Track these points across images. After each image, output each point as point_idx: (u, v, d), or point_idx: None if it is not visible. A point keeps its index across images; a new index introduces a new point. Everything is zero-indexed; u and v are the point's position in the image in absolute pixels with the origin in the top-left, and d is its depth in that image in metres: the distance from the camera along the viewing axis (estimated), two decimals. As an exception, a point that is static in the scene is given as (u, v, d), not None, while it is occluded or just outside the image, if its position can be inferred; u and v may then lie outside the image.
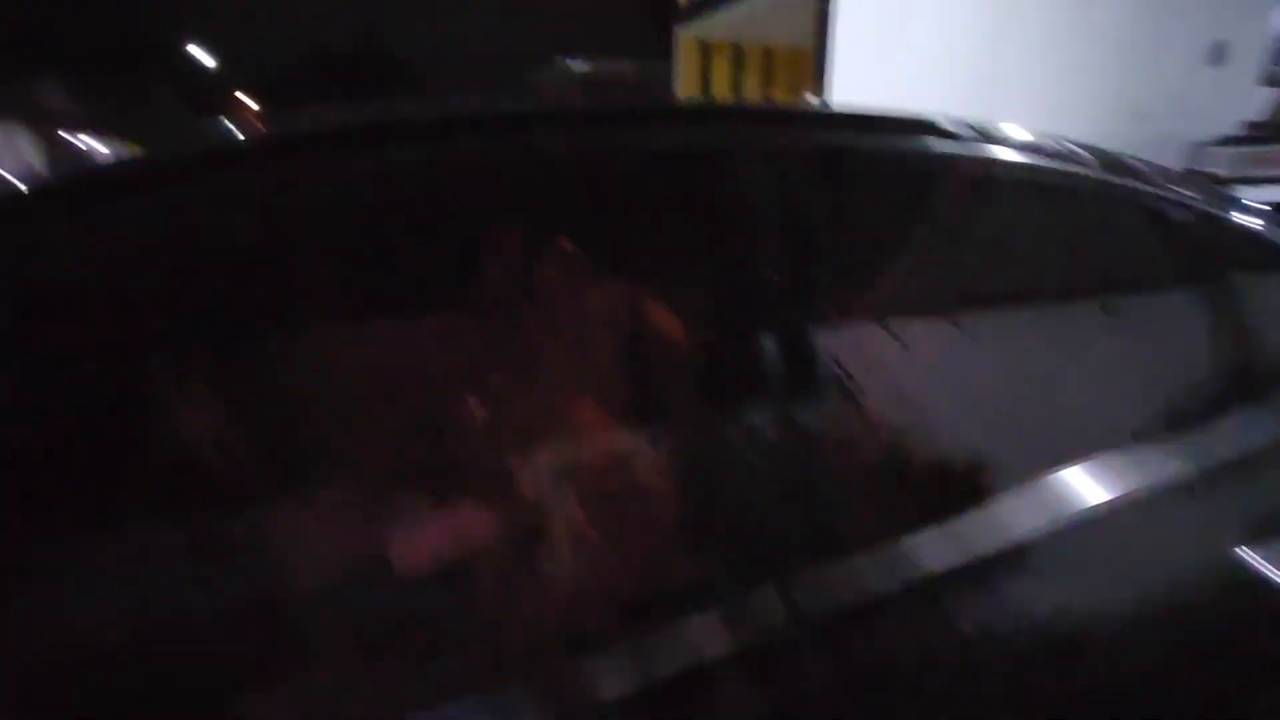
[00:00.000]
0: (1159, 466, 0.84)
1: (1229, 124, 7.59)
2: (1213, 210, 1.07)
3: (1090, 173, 1.00)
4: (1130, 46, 7.35)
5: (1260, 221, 1.10)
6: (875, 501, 0.75)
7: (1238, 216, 1.09)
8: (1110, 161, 1.05)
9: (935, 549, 0.73)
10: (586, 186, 0.75)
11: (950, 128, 0.88)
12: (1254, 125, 7.21)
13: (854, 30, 5.78)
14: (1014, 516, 0.77)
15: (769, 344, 0.65)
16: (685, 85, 8.30)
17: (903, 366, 0.78)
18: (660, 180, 0.74)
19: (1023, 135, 0.96)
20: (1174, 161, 7.75)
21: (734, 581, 0.70)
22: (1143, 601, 0.81)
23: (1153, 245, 1.01)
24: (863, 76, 5.96)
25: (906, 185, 0.88)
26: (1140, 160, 1.08)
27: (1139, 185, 1.05)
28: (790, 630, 0.65)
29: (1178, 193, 1.06)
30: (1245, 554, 0.82)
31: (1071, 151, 1.06)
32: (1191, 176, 1.08)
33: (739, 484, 0.72)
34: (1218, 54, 8.18)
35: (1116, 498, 0.80)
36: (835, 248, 0.76)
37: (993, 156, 0.90)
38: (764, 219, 0.69)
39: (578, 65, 10.18)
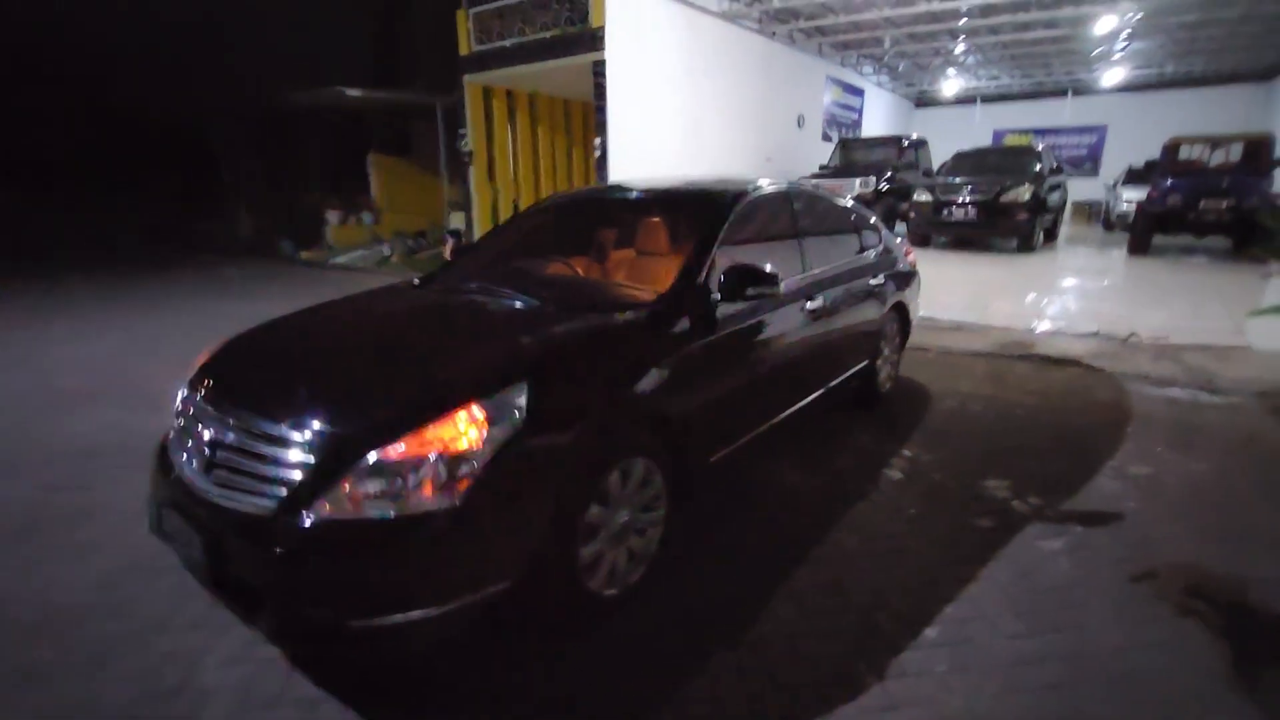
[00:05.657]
0: (845, 265, 3.54)
1: (812, 166, 12.62)
2: (842, 201, 3.93)
3: (811, 192, 3.72)
4: (760, 117, 11.73)
5: (857, 206, 4.03)
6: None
7: (845, 200, 3.99)
8: (814, 190, 3.81)
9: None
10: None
11: (773, 183, 3.45)
12: (822, 166, 12.20)
13: (613, 97, 8.51)
14: (829, 268, 3.34)
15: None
16: (472, 116, 10.13)
17: (784, 246, 3.31)
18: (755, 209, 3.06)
19: (793, 182, 3.61)
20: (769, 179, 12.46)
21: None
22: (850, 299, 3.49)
23: (833, 211, 3.78)
24: (619, 126, 8.72)
25: (772, 199, 3.41)
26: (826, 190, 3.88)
27: (826, 196, 3.82)
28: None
29: (838, 199, 3.89)
30: (870, 280, 3.60)
31: (811, 186, 3.77)
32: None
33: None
34: (800, 122, 13.30)
35: (840, 267, 3.45)
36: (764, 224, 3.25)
37: (800, 189, 3.55)
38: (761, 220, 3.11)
39: (351, 91, 11.08)
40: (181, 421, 1.94)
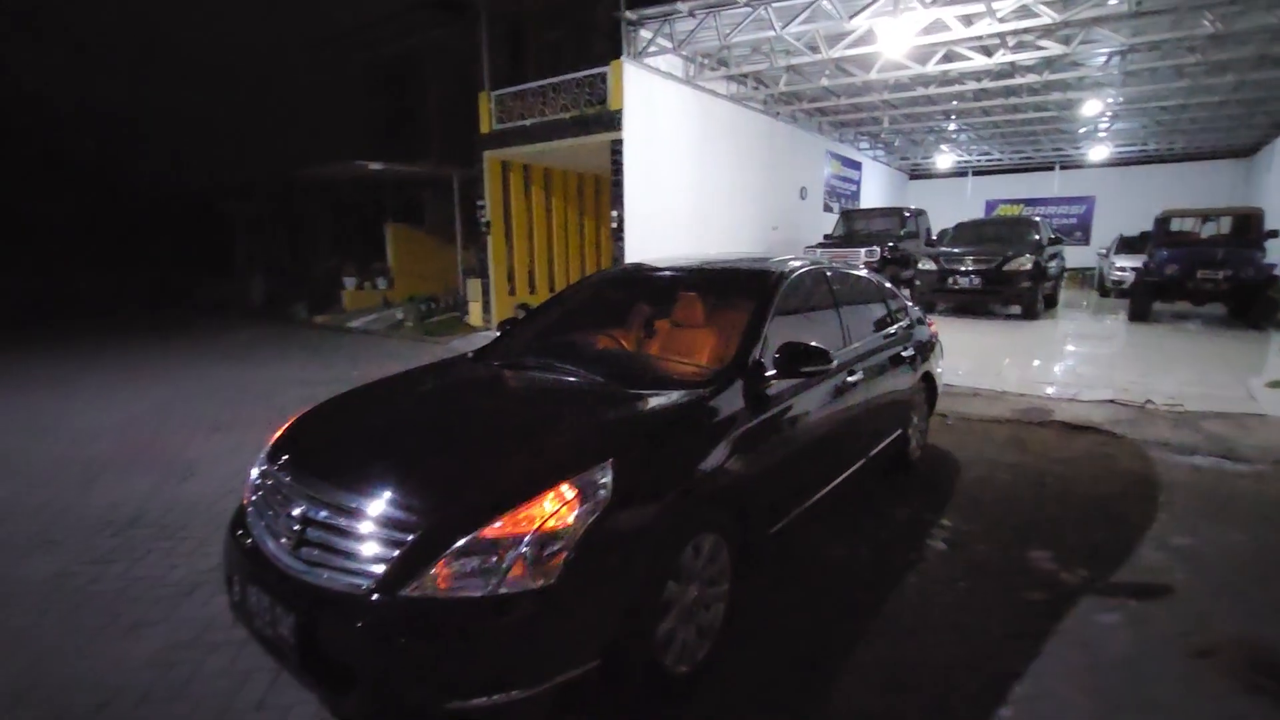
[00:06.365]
0: (878, 337, 3.69)
1: (815, 235, 13.05)
2: (865, 273, 4.10)
3: (842, 267, 3.89)
4: (765, 190, 12.24)
5: (880, 278, 4.22)
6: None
7: (868, 273, 4.16)
8: (843, 266, 3.98)
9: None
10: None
11: (804, 262, 3.63)
12: (827, 236, 12.62)
13: (629, 172, 8.91)
14: (866, 340, 3.47)
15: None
16: (491, 187, 10.57)
17: (824, 321, 3.44)
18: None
19: (815, 259, 3.78)
20: (799, 255, 12.92)
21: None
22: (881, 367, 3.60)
23: (864, 285, 3.95)
24: (634, 198, 9.08)
25: (811, 276, 3.58)
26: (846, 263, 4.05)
27: (856, 270, 3.98)
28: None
29: (861, 270, 4.06)
30: (901, 351, 3.71)
31: (829, 262, 3.94)
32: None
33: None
34: (803, 194, 13.83)
35: (874, 340, 3.59)
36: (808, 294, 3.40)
37: (823, 265, 3.72)
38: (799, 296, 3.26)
39: (373, 164, 11.58)
40: (261, 495, 1.99)
